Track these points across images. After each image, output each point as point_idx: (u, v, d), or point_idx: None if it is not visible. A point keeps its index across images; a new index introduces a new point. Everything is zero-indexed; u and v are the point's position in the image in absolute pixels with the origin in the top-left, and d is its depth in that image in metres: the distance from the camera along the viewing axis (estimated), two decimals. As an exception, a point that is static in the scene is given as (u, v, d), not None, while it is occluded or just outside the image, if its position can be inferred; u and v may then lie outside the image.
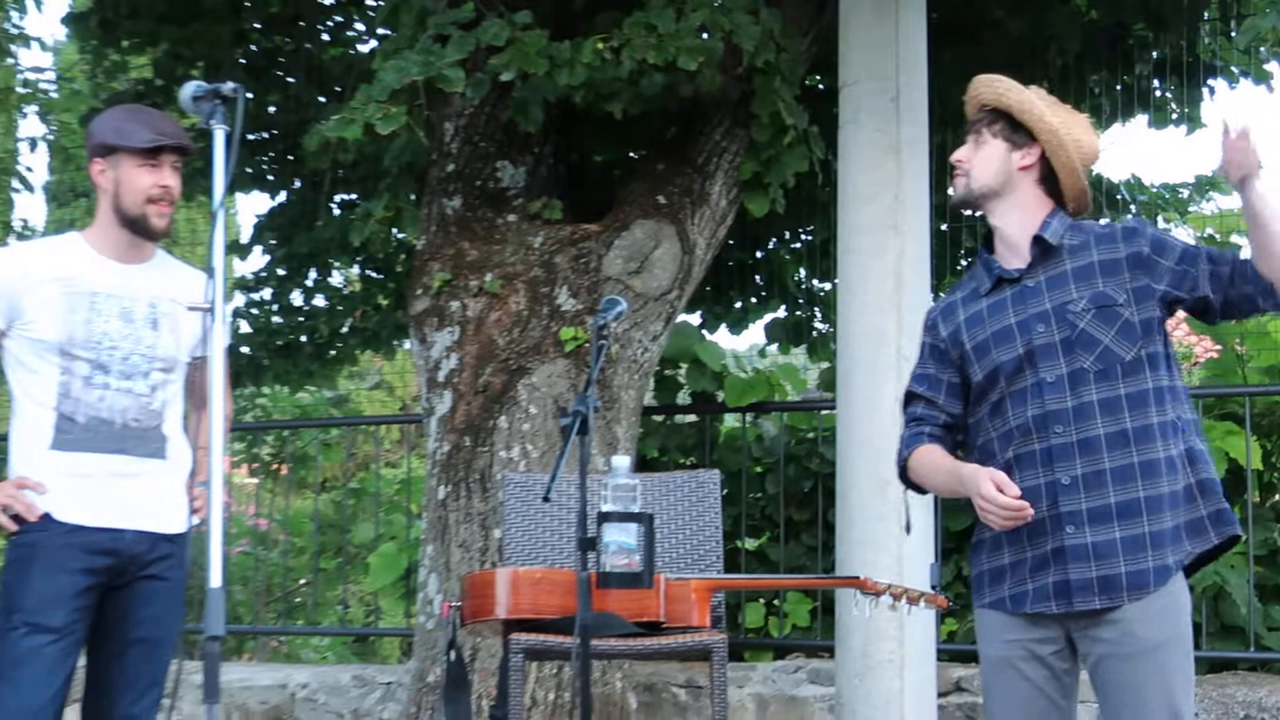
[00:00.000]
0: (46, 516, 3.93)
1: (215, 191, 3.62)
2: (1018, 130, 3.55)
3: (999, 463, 3.47)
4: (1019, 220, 3.56)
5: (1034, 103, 3.56)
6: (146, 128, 4.10)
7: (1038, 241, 3.52)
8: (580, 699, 4.05)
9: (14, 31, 10.03)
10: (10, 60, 9.74)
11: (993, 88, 3.63)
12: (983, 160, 3.59)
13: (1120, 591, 3.35)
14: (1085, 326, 3.42)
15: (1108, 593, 3.36)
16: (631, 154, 7.84)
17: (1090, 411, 3.40)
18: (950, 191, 3.77)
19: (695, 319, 8.68)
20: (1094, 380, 3.41)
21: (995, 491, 3.35)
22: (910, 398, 3.76)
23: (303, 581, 10.33)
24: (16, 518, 3.94)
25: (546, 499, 4.14)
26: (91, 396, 3.99)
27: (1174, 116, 8.82)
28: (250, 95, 3.77)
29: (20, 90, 9.57)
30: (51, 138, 10.78)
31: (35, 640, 3.89)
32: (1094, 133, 3.67)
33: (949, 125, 7.24)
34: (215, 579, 3.35)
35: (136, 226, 4.08)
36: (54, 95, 10.11)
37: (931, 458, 3.63)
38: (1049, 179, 3.56)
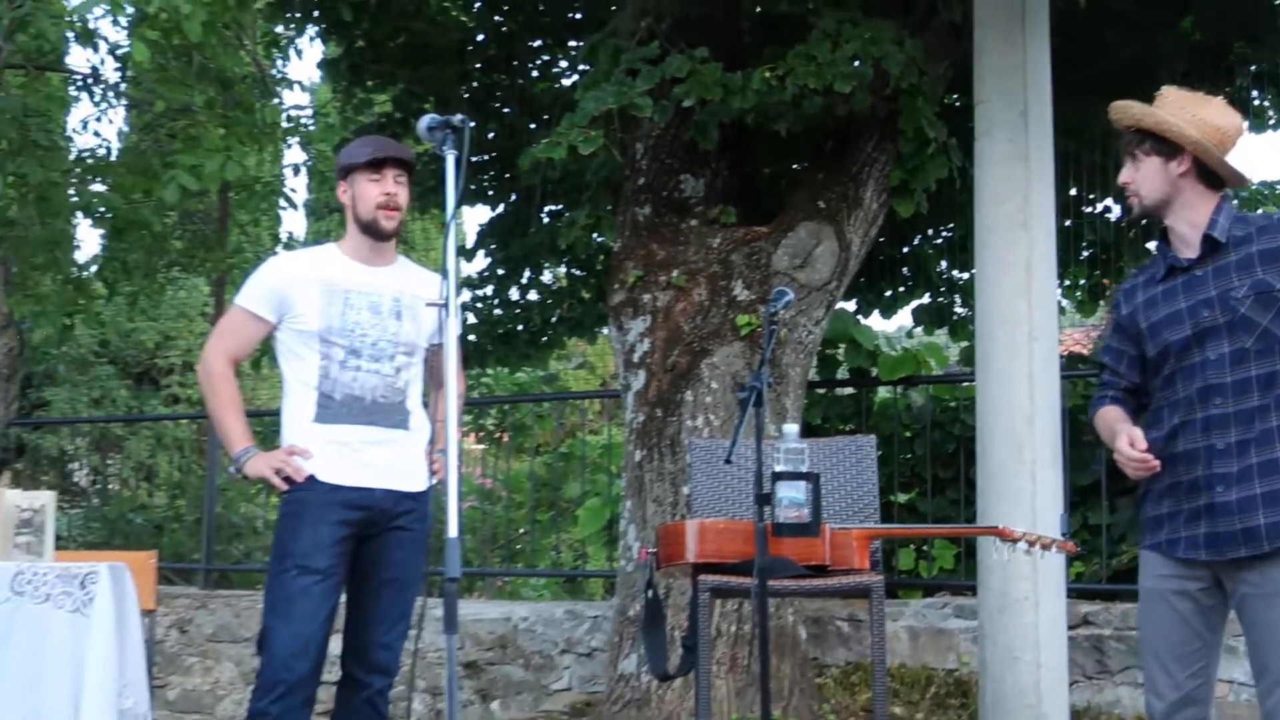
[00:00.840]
0: (311, 478, 4.05)
1: (447, 206, 3.66)
2: (1164, 141, 3.43)
3: (1165, 428, 3.45)
4: (1189, 219, 3.46)
5: (1168, 121, 3.42)
6: (370, 146, 4.24)
7: (1206, 239, 3.43)
8: (759, 630, 4.05)
9: (279, 76, 10.30)
10: (276, 100, 9.99)
11: (1129, 114, 3.50)
12: (1144, 179, 3.49)
13: (1260, 540, 3.28)
14: (1246, 311, 3.34)
15: (1250, 542, 3.29)
16: (795, 165, 7.79)
17: (1249, 386, 3.33)
18: (1130, 205, 3.62)
19: (851, 306, 8.62)
20: (1254, 359, 3.33)
21: (1127, 446, 3.38)
22: (1100, 366, 3.80)
23: (522, 531, 10.46)
24: (288, 480, 4.06)
25: (728, 461, 4.13)
26: (346, 377, 4.10)
27: (1271, 122, 8.56)
28: (473, 124, 3.79)
29: (285, 124, 9.78)
30: (310, 163, 11.02)
31: (304, 580, 4.00)
32: (1230, 110, 3.51)
33: (1070, 135, 7.09)
34: (453, 529, 3.40)
35: (370, 230, 4.19)
36: (311, 128, 10.33)
37: (1105, 417, 3.63)
38: (1206, 172, 3.44)
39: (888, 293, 8.93)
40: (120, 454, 14.63)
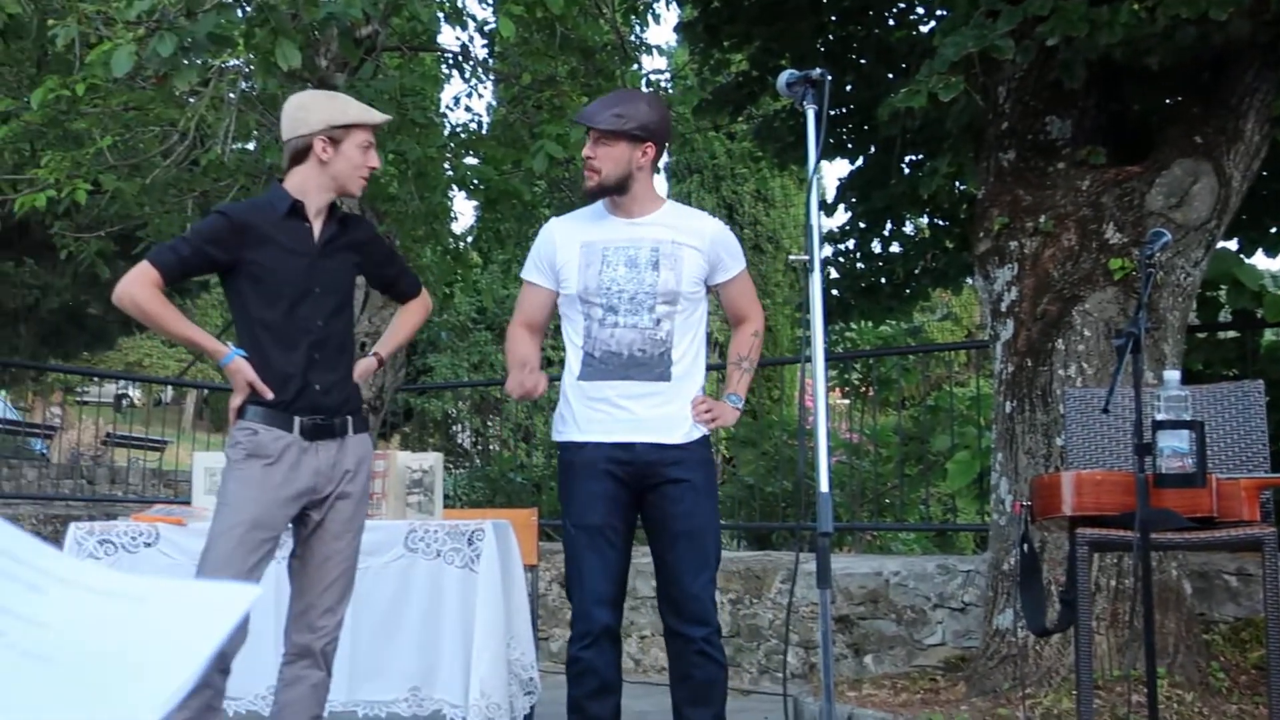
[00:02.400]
0: (575, 440, 4.23)
1: (809, 161, 3.66)
2: None
3: None
4: None
5: None
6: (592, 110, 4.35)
7: None
8: (1142, 585, 3.91)
9: (637, 42, 10.50)
10: (635, 66, 10.19)
11: None
12: None
13: None
14: None
15: None
16: (1167, 100, 7.43)
17: None
18: None
19: (1233, 244, 8.17)
20: None
21: None
22: None
23: (890, 485, 10.42)
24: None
25: (1105, 410, 4.01)
26: (605, 334, 4.20)
27: None
28: (831, 78, 3.77)
29: (645, 90, 9.96)
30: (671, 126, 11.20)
31: (583, 536, 4.17)
32: None
33: None
34: (823, 484, 3.42)
35: (610, 191, 4.30)
36: (670, 91, 10.49)
37: None
38: None
39: (1273, 229, 8.42)
40: (499, 416, 15.32)
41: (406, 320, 4.59)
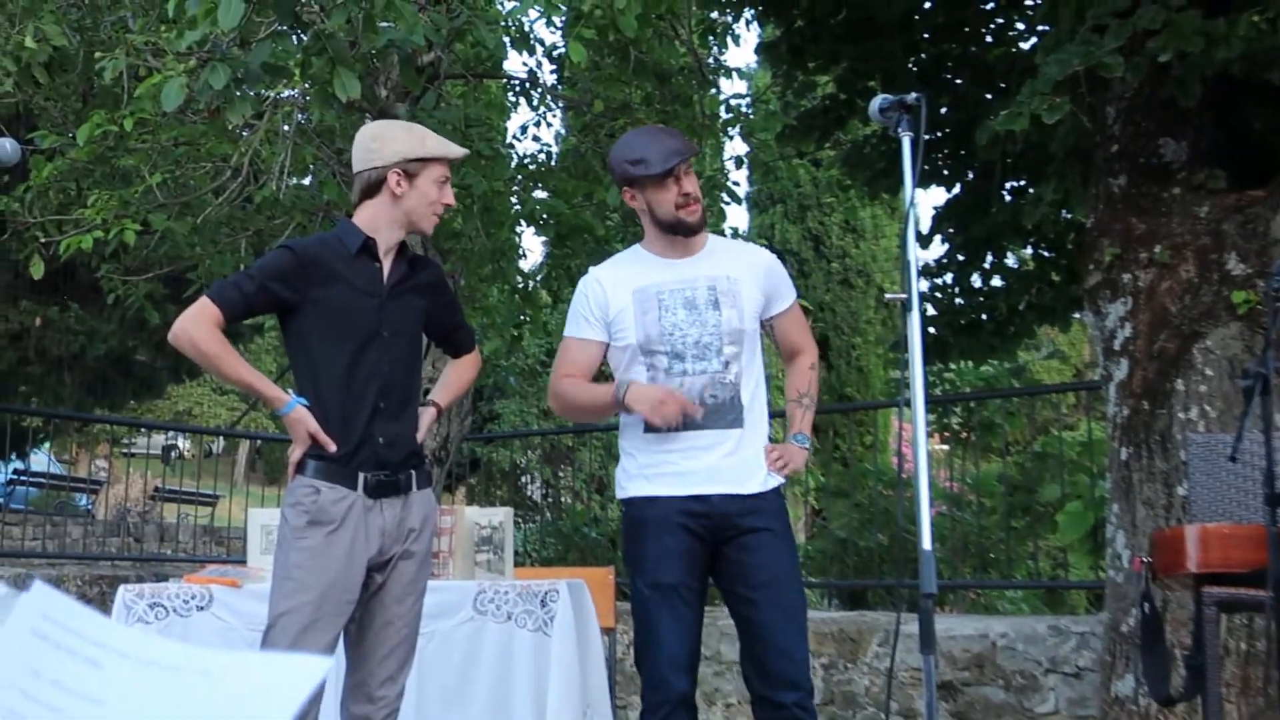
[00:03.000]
0: (646, 495, 4.20)
1: (905, 190, 3.66)
2: None
3: None
4: None
5: None
6: (657, 151, 4.24)
7: None
8: (1275, 647, 3.85)
9: (716, 64, 10.54)
10: (714, 90, 10.23)
11: None
12: None
13: None
14: None
15: None
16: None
17: None
18: None
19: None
20: None
21: None
22: None
23: (995, 539, 10.32)
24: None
25: (1233, 459, 3.95)
26: (674, 384, 4.17)
27: None
28: (925, 101, 3.78)
29: (724, 115, 10.01)
30: (752, 154, 11.24)
31: (658, 597, 4.13)
32: None
33: None
34: (925, 540, 3.41)
35: (676, 230, 4.27)
36: (752, 117, 10.53)
37: None
38: None
39: None
40: (571, 466, 15.35)
41: (460, 375, 4.60)
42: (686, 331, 4.21)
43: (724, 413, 4.20)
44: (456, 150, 4.26)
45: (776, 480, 4.25)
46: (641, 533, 4.22)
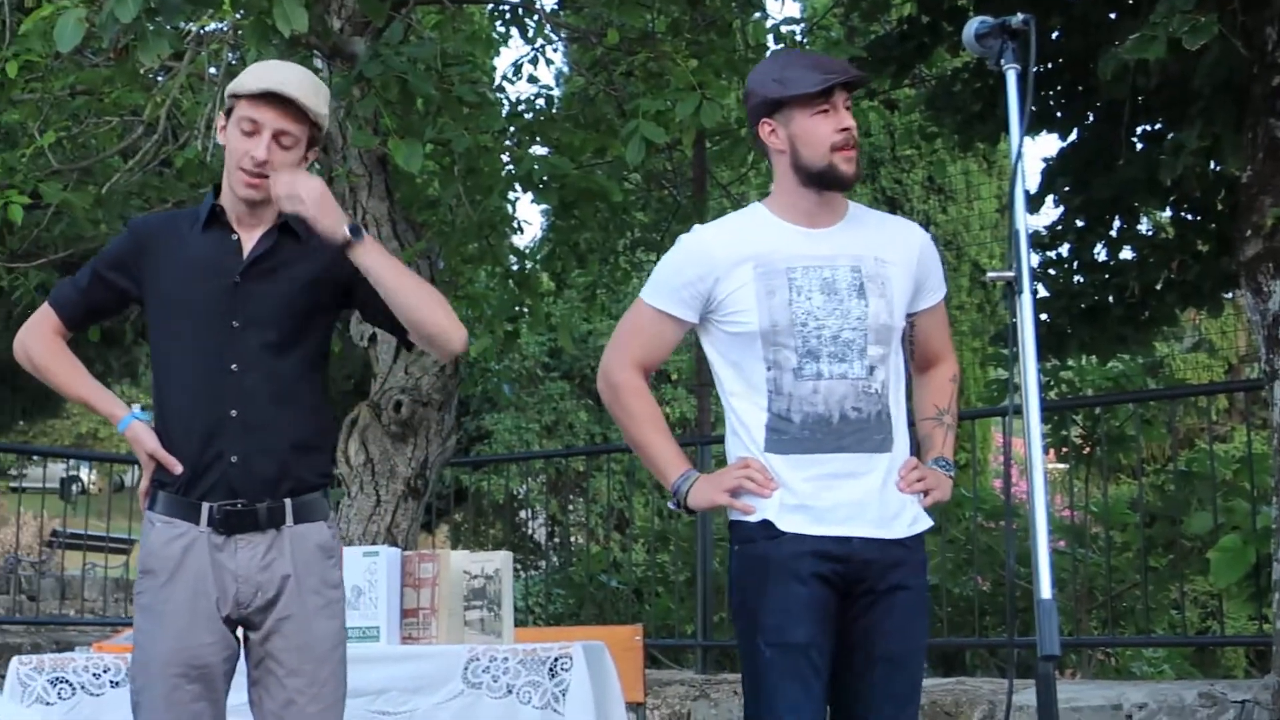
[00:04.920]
0: (768, 524, 4.07)
1: (1011, 138, 3.64)
2: None
3: None
4: None
5: None
6: (813, 70, 4.13)
7: None
8: None
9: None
10: (759, 14, 10.21)
11: None
12: None
13: None
14: None
15: None
16: None
17: None
18: None
19: None
20: None
21: None
22: None
23: (1129, 583, 10.30)
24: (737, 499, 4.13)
25: None
26: (804, 389, 4.07)
27: None
28: (1034, 24, 3.76)
29: (772, 45, 9.98)
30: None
31: (781, 658, 4.03)
32: None
33: None
34: (1045, 589, 3.38)
35: (823, 181, 4.14)
36: (807, 46, 10.52)
37: None
38: None
39: None
40: (583, 497, 15.35)
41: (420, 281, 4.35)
42: (824, 322, 4.09)
43: (870, 432, 4.09)
44: (257, 84, 4.09)
45: (926, 523, 4.17)
46: (764, 575, 4.10)
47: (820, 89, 4.08)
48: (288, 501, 4.10)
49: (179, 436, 4.07)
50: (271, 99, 4.06)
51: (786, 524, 4.06)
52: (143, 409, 4.19)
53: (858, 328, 4.08)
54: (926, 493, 4.17)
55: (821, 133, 4.10)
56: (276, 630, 4.08)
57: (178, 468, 4.04)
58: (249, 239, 4.17)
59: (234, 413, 4.05)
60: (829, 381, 4.07)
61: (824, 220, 4.20)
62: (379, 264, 4.13)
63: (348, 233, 4.04)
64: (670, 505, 4.27)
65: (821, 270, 4.12)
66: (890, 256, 4.16)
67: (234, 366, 4.07)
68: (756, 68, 4.39)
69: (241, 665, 4.18)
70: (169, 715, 3.95)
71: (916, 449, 4.30)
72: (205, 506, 4.04)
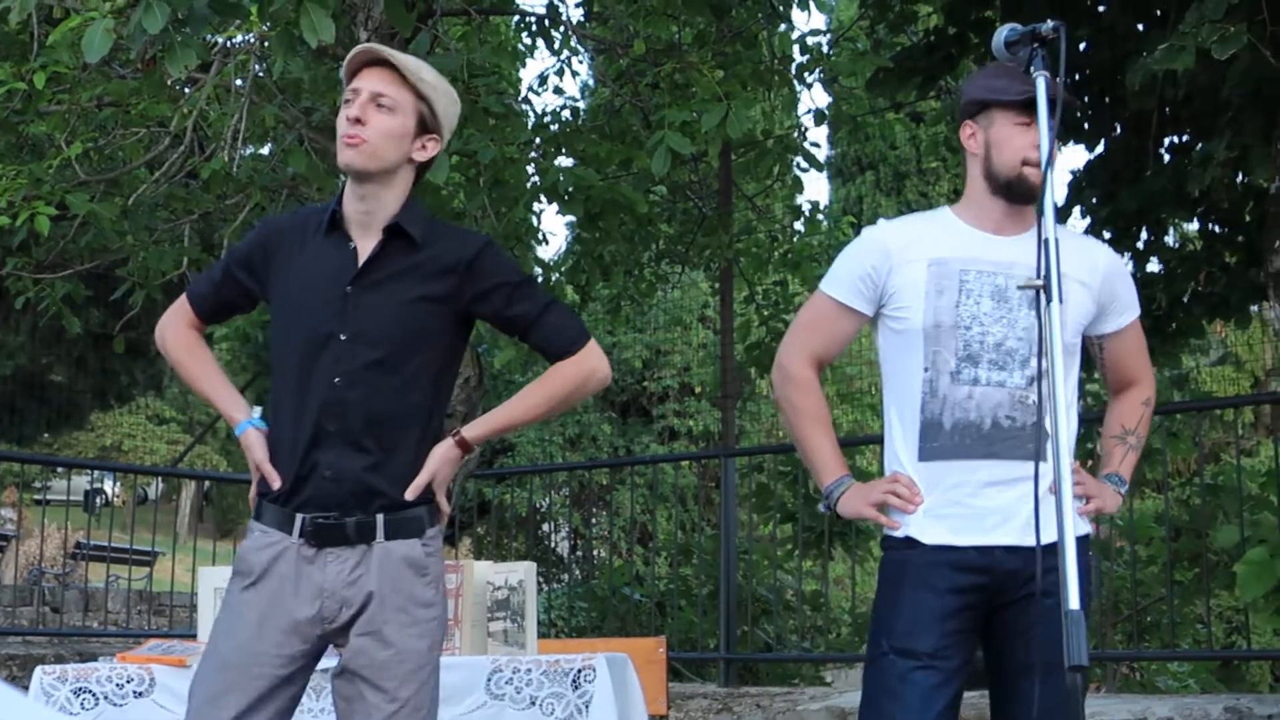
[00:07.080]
0: (911, 539, 4.05)
1: (1041, 149, 3.62)
2: None
3: None
4: None
5: None
6: (1021, 82, 4.05)
7: None
8: None
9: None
10: (785, 26, 10.21)
11: None
12: None
13: None
14: None
15: None
16: None
17: None
18: None
19: None
20: None
21: None
22: None
23: (1155, 596, 10.26)
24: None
25: None
26: (959, 393, 4.05)
27: None
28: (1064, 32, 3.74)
29: (799, 57, 9.98)
30: (834, 106, 11.19)
31: (905, 666, 3.99)
32: None
33: None
34: (1073, 600, 3.36)
35: (1011, 191, 4.12)
36: (833, 58, 10.51)
37: None
38: None
39: None
40: (606, 510, 15.34)
41: (535, 391, 4.28)
42: (989, 329, 4.08)
43: (1022, 440, 4.05)
44: (351, 55, 4.11)
45: (1085, 528, 4.12)
46: (899, 581, 4.08)
47: (1023, 98, 4.04)
48: (379, 517, 4.03)
49: (282, 446, 4.05)
50: (369, 66, 4.07)
51: (930, 536, 4.05)
52: (262, 417, 4.13)
53: (1024, 338, 4.07)
54: (1088, 500, 4.13)
55: (1017, 143, 4.09)
56: (359, 647, 4.02)
57: (277, 482, 4.01)
58: (365, 247, 4.09)
59: (332, 428, 4.00)
60: (985, 388, 4.05)
61: (1009, 229, 4.18)
62: (494, 432, 4.31)
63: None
64: (821, 508, 4.26)
65: (995, 277, 4.11)
66: (1072, 273, 4.06)
67: (337, 380, 4.00)
68: (974, 74, 4.40)
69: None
70: (212, 710, 3.92)
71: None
72: (299, 518, 4.00)
